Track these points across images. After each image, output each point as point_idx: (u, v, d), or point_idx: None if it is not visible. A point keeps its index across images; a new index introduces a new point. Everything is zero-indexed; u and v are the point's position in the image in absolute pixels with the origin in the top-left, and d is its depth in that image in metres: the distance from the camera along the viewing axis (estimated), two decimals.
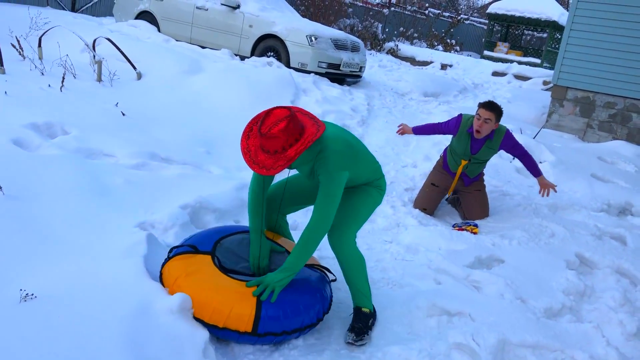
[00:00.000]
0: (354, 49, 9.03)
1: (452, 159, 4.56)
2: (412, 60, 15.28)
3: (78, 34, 6.35)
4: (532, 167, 4.39)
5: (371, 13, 18.63)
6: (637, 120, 8.01)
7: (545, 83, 13.92)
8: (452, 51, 20.09)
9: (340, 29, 17.17)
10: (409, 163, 5.82)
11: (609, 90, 8.12)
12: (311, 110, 6.80)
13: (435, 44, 19.81)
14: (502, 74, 14.55)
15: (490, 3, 26.83)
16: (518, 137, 6.38)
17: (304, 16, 15.75)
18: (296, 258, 2.48)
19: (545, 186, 4.30)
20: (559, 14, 19.90)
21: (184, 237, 3.02)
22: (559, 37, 20.84)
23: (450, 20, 21.97)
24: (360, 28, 17.51)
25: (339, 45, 8.64)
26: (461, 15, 24.43)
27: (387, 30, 18.71)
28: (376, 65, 11.93)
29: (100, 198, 3.21)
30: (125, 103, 5.24)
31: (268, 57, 8.51)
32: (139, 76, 6.29)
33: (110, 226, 2.92)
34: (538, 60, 19.57)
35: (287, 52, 8.41)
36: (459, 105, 9.16)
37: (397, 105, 8.47)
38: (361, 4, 19.14)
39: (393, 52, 15.89)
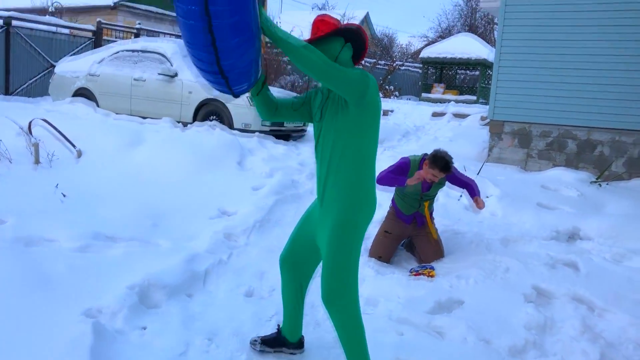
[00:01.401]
0: None
1: (404, 203, 4.60)
2: None
3: (11, 118, 6.20)
4: (473, 190, 4.56)
5: None
6: (572, 146, 8.36)
7: (482, 118, 14.43)
8: (392, 97, 20.71)
9: (282, 87, 17.47)
10: None
11: (543, 120, 8.49)
12: (258, 168, 6.80)
13: None
14: (441, 114, 15.04)
15: (422, 48, 28.02)
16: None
17: None
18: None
19: (478, 201, 4.42)
20: (487, 52, 20.94)
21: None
22: (490, 73, 21.88)
23: (387, 68, 22.72)
24: (301, 83, 17.87)
25: None
26: (396, 62, 25.33)
27: None
28: None
29: (42, 289, 3.05)
30: (66, 183, 5.09)
31: (211, 121, 8.53)
32: (79, 154, 6.16)
33: (53, 318, 2.76)
34: (474, 97, 20.42)
35: (229, 115, 8.45)
36: (402, 149, 9.36)
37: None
38: None
39: None
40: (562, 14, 8.21)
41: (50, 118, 6.69)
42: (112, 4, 22.00)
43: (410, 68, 26.17)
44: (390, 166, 4.58)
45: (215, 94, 8.50)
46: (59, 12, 20.97)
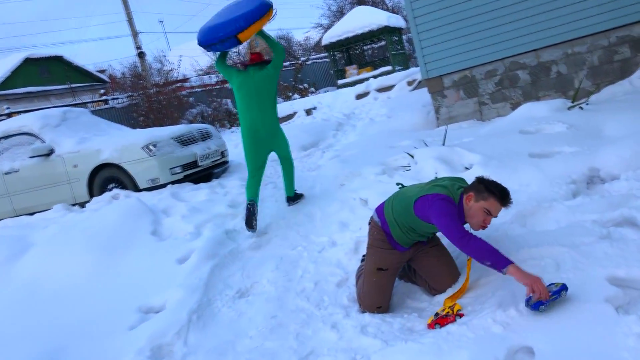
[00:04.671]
0: (205, 136, 7.66)
1: (405, 237, 3.21)
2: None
3: None
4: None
5: (214, 92, 17.52)
6: (525, 77, 7.24)
7: (409, 83, 13.37)
8: (309, 94, 19.45)
9: (191, 121, 15.87)
10: (325, 242, 4.42)
11: (482, 59, 7.34)
12: (179, 231, 5.27)
13: (290, 94, 19.09)
14: (365, 94, 13.90)
15: (321, 37, 26.89)
16: (428, 151, 5.24)
17: (145, 126, 14.33)
18: None
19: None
20: (386, 18, 20.00)
21: None
22: (397, 38, 20.96)
23: (294, 67, 21.47)
24: (210, 111, 16.32)
25: (185, 141, 7.23)
26: (301, 59, 24.14)
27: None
28: (240, 142, 10.61)
29: None
30: None
31: (110, 190, 6.92)
32: None
33: None
34: (389, 67, 19.41)
35: (129, 176, 6.86)
36: (342, 146, 8.04)
37: (279, 174, 7.13)
38: (200, 89, 18.03)
39: None
40: None
41: None
42: None
43: (317, 60, 25.04)
44: (446, 216, 2.93)
45: (104, 157, 6.89)
46: None
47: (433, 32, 7.44)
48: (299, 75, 20.59)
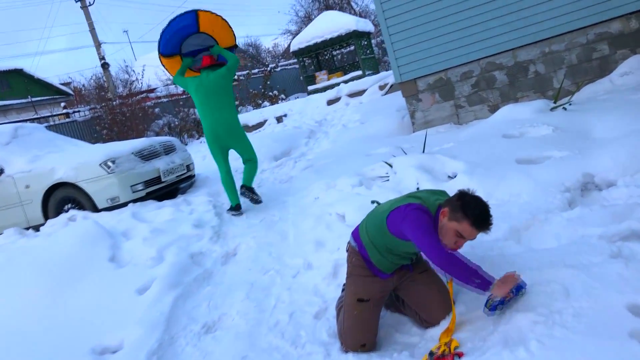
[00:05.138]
0: (169, 150, 7.18)
1: (386, 262, 2.82)
2: (247, 128, 13.72)
3: None
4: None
5: (181, 102, 16.97)
6: (502, 77, 6.97)
7: (381, 88, 13.08)
8: (280, 101, 19.04)
9: (157, 133, 15.29)
10: (300, 265, 4.02)
11: (457, 61, 7.05)
12: (140, 256, 4.79)
13: (260, 102, 18.66)
14: (336, 100, 13.56)
15: (290, 44, 26.47)
16: (407, 159, 4.88)
17: (109, 139, 13.69)
18: None
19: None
20: (355, 22, 19.76)
21: None
22: (366, 42, 20.73)
23: (262, 74, 21.04)
24: (177, 122, 15.76)
25: (147, 156, 6.74)
26: (270, 66, 23.74)
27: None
28: (208, 152, 10.14)
29: None
30: None
31: (67, 211, 6.38)
32: None
33: None
34: (359, 72, 19.14)
35: (87, 196, 6.34)
36: (316, 154, 7.64)
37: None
38: (166, 99, 17.46)
39: None
40: None
41: None
42: None
43: (286, 67, 24.69)
44: (421, 228, 2.56)
45: (58, 177, 6.36)
46: None
47: (405, 33, 7.12)
48: (268, 83, 20.16)
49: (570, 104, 5.53)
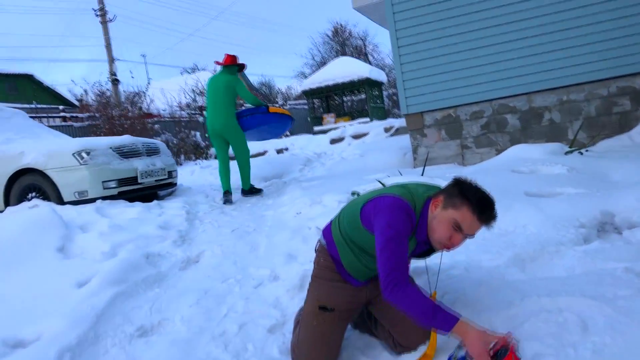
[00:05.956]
0: (152, 152, 6.70)
1: (361, 267, 2.27)
2: None
3: None
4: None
5: (183, 124, 16.63)
6: (514, 122, 6.56)
7: (387, 130, 12.74)
8: (283, 137, 18.71)
9: None
10: (265, 276, 3.47)
11: (469, 98, 6.66)
12: (92, 250, 4.24)
13: None
14: (340, 139, 13.22)
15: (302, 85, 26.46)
16: (401, 180, 4.38)
17: None
18: None
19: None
20: (369, 70, 19.71)
21: None
22: (377, 93, 20.62)
23: None
24: (175, 141, 15.36)
25: (126, 153, 6.25)
26: (279, 102, 23.62)
27: (207, 135, 16.81)
28: (198, 169, 9.69)
29: None
30: None
31: (29, 200, 5.86)
32: None
33: None
34: (367, 119, 18.90)
35: (53, 186, 5.82)
36: (307, 178, 7.14)
37: (232, 202, 6.20)
38: (169, 119, 17.13)
39: None
40: None
41: None
42: None
43: (295, 106, 24.53)
44: (390, 230, 2.01)
45: (26, 161, 5.87)
46: None
47: (417, 64, 6.77)
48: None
49: (587, 150, 5.07)
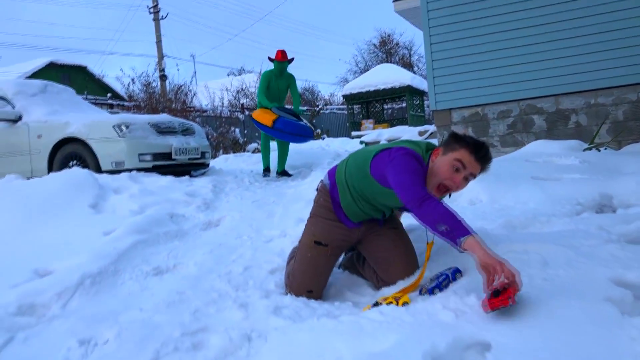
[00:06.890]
0: (187, 131, 7.06)
1: (358, 209, 2.49)
2: None
3: None
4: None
5: (224, 119, 17.15)
6: (540, 123, 6.63)
7: (421, 133, 12.83)
8: (320, 139, 19.02)
9: None
10: (275, 235, 3.71)
11: (497, 97, 6.76)
12: (122, 208, 4.59)
13: None
14: (375, 143, 13.38)
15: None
16: None
17: None
18: None
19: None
20: (410, 78, 19.78)
21: None
22: (418, 102, 20.67)
23: (310, 112, 21.17)
24: (215, 135, 15.85)
25: (163, 130, 6.63)
26: (319, 106, 23.95)
27: (246, 132, 17.28)
28: (232, 157, 10.03)
29: None
30: None
31: (70, 167, 6.28)
32: None
33: None
34: (406, 127, 18.98)
35: (93, 155, 6.24)
36: None
37: (257, 182, 6.48)
38: (212, 114, 17.69)
39: (258, 151, 14.29)
40: None
41: None
42: None
43: (335, 110, 24.83)
44: (407, 173, 2.19)
45: (70, 131, 6.31)
46: None
47: (447, 61, 6.93)
48: (314, 121, 20.22)
49: (605, 148, 5.14)
